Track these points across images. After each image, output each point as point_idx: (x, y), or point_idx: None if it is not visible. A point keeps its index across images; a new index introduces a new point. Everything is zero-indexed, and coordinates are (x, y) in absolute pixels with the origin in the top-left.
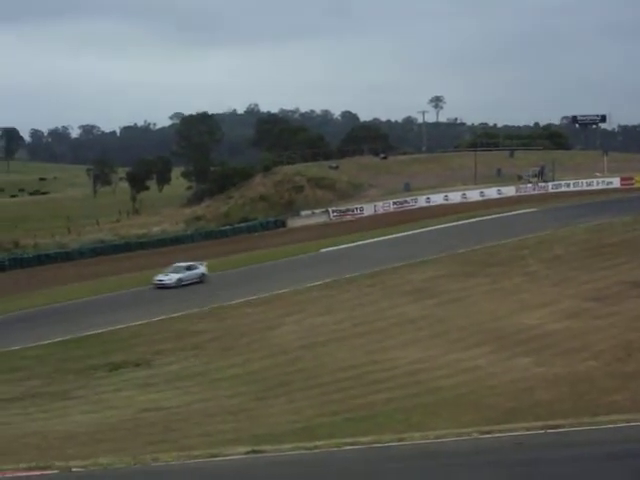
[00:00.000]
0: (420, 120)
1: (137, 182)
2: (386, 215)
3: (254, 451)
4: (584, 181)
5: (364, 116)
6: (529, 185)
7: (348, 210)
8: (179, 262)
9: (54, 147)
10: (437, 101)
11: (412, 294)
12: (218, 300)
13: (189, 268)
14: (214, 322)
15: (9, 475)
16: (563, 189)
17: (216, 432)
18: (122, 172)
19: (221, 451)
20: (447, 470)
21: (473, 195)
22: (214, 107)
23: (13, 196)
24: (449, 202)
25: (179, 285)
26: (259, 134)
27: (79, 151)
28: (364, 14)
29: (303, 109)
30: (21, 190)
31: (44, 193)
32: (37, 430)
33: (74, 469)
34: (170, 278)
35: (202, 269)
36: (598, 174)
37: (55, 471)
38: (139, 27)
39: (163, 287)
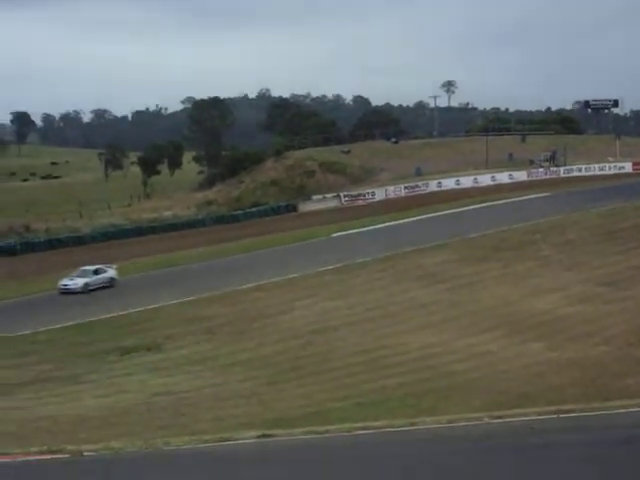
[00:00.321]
0: (432, 105)
1: (148, 166)
2: (397, 200)
3: (265, 435)
4: (596, 166)
5: (376, 101)
6: (541, 170)
7: (359, 195)
8: (86, 266)
9: (66, 131)
10: (449, 86)
11: (424, 279)
12: (230, 284)
13: (97, 272)
14: (225, 306)
15: (21, 459)
16: (575, 174)
17: (227, 416)
18: (134, 156)
19: (232, 435)
20: (459, 454)
21: (485, 180)
22: (226, 91)
23: (25, 180)
24: (460, 187)
25: (86, 290)
26: (271, 119)
27: (91, 135)
28: None
29: (315, 94)
30: (33, 174)
31: (56, 177)
32: (48, 414)
33: (85, 453)
34: (76, 283)
35: (111, 273)
36: (610, 159)
37: (66, 455)
38: (151, 11)
39: (68, 292)
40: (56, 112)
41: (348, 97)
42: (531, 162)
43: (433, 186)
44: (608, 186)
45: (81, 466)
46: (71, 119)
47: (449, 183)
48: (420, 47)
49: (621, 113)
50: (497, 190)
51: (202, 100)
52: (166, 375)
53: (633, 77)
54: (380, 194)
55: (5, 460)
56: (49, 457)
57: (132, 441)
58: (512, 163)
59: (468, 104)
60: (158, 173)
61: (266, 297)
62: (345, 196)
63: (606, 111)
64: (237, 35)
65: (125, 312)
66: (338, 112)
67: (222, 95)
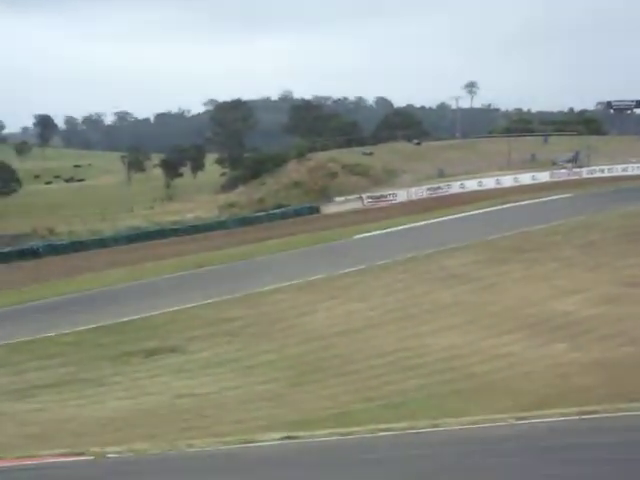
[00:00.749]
0: (454, 106)
1: (171, 169)
2: (420, 201)
3: (288, 437)
4: (619, 167)
5: (398, 102)
6: (563, 171)
7: (382, 196)
8: None
9: (88, 134)
10: (471, 87)
11: (446, 280)
12: (252, 286)
13: None
14: (248, 308)
15: (45, 461)
16: (598, 175)
17: (250, 418)
18: (156, 159)
19: (255, 437)
20: (482, 455)
21: (507, 181)
22: (248, 94)
23: (48, 183)
24: (483, 188)
25: None
26: (293, 120)
27: (113, 138)
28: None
29: (337, 95)
30: (56, 177)
31: (79, 180)
32: (72, 416)
33: (109, 455)
34: None
35: None
36: (633, 159)
37: (90, 457)
38: (173, 14)
39: None
40: (78, 115)
41: (370, 99)
42: (554, 163)
43: (455, 187)
44: (631, 187)
45: (105, 468)
46: (93, 122)
47: (471, 184)
48: (442, 48)
49: None
50: (519, 191)
51: (224, 102)
52: (189, 377)
53: None
54: (402, 196)
55: (30, 462)
56: (73, 459)
57: (155, 443)
58: (535, 164)
59: (490, 105)
60: (181, 175)
61: (289, 299)
62: (367, 198)
63: (629, 112)
64: (259, 37)
65: (148, 314)
66: (360, 114)
67: (244, 97)
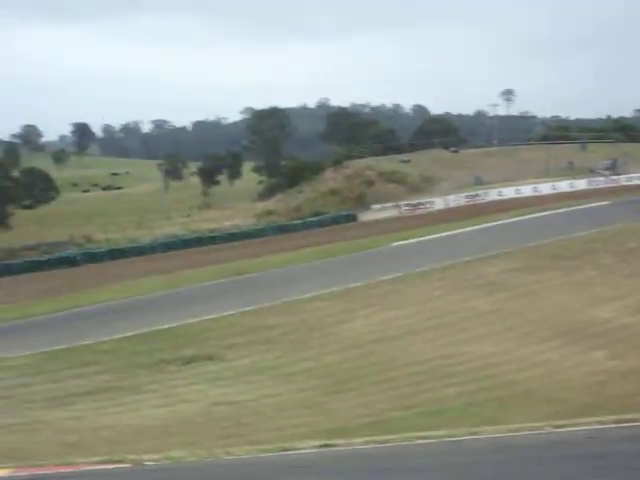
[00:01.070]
0: (491, 113)
1: (208, 177)
2: (457, 209)
3: (326, 445)
4: None
5: (435, 109)
6: (601, 178)
7: (419, 204)
8: None
9: (126, 142)
10: (508, 94)
11: (483, 288)
12: (290, 294)
13: None
14: (285, 316)
15: (82, 469)
16: (636, 182)
17: (288, 426)
18: (193, 167)
19: (293, 445)
20: (520, 463)
21: (545, 188)
22: (285, 102)
23: (85, 191)
24: (521, 195)
25: None
26: (330, 128)
27: (150, 146)
28: (433, 6)
29: (374, 103)
30: (93, 185)
31: (116, 188)
32: (110, 424)
33: (147, 463)
34: None
35: None
36: None
37: (128, 465)
38: (209, 24)
39: None
40: (116, 123)
41: (407, 106)
42: (591, 171)
43: (493, 195)
44: None
45: (142, 476)
46: (131, 130)
47: (509, 192)
48: (477, 55)
49: None
50: (557, 199)
51: (261, 110)
52: (227, 385)
53: None
54: (440, 203)
55: (67, 470)
56: (111, 467)
57: (193, 451)
58: (572, 172)
59: (527, 112)
60: (218, 183)
61: (326, 306)
62: (404, 205)
63: None
64: (296, 45)
65: (185, 322)
66: (397, 121)
67: (281, 105)
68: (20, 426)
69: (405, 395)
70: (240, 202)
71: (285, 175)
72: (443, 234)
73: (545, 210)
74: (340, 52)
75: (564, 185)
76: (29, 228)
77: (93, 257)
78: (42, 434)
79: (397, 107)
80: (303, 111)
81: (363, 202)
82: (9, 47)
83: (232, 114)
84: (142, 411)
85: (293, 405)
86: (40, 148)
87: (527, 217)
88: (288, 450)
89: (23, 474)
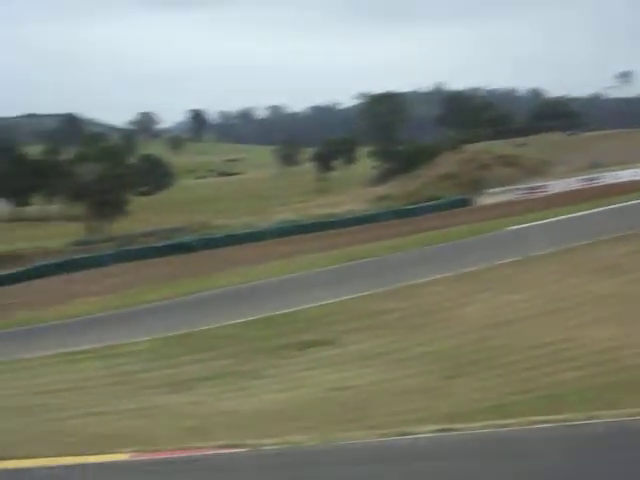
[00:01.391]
0: (608, 96)
1: (323, 162)
2: (574, 192)
3: (444, 429)
4: None
5: (551, 92)
6: None
7: (535, 187)
8: None
9: (241, 128)
10: (625, 76)
11: (602, 272)
12: (405, 279)
13: None
14: (401, 301)
15: (201, 453)
16: None
17: (405, 411)
18: (308, 152)
19: (410, 429)
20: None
21: None
22: (400, 86)
23: (202, 177)
24: (639, 178)
25: None
26: (445, 112)
27: (266, 132)
28: None
29: (489, 87)
30: (210, 171)
31: (232, 174)
32: (228, 409)
33: (265, 447)
34: None
35: None
36: None
37: (246, 449)
38: (322, 9)
39: None
40: (232, 109)
41: (522, 89)
42: None
43: (610, 178)
44: None
45: (262, 460)
46: (246, 116)
47: (627, 175)
48: (596, 37)
49: None
50: None
51: (376, 95)
52: (344, 369)
53: None
54: (556, 186)
55: (186, 454)
56: (229, 451)
57: (312, 435)
58: None
59: None
60: (333, 169)
61: (442, 291)
62: (521, 189)
63: None
64: (411, 29)
65: (302, 307)
66: (513, 105)
67: (396, 89)
68: (139, 411)
69: (523, 379)
70: (355, 187)
71: (400, 160)
72: (560, 217)
73: None
74: (453, 35)
75: None
76: (146, 215)
77: (210, 243)
78: (161, 419)
79: (512, 90)
80: (418, 95)
81: (479, 186)
82: (124, 35)
83: (347, 99)
84: (261, 396)
85: (410, 389)
86: (156, 135)
87: None
88: (407, 434)
89: (143, 458)
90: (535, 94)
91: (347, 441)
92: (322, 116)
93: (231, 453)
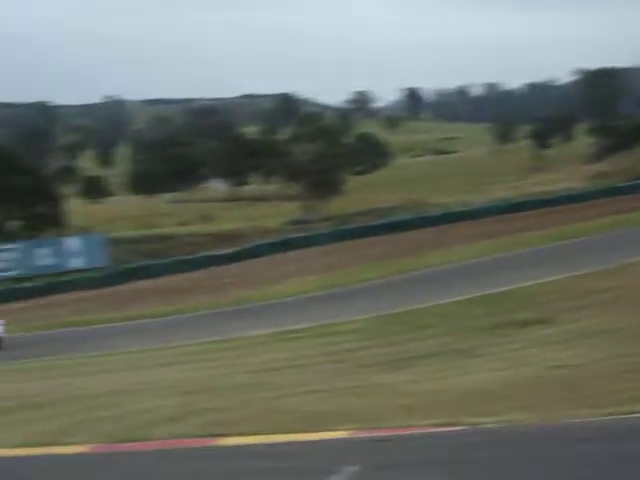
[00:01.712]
0: None
1: (540, 139)
2: None
3: None
4: None
5: None
6: None
7: None
8: None
9: (457, 106)
10: None
11: None
12: (621, 258)
13: None
14: (620, 279)
15: (420, 431)
16: None
17: (625, 389)
18: (524, 130)
19: (634, 408)
20: None
21: None
22: (620, 61)
23: (417, 156)
24: None
25: None
26: None
27: (481, 109)
28: None
29: None
30: (426, 149)
31: (449, 152)
32: (445, 387)
33: (483, 425)
34: None
35: None
36: None
37: (464, 427)
38: None
39: None
40: (449, 86)
41: None
42: None
43: None
44: None
45: (479, 437)
46: (462, 93)
47: None
48: None
49: None
50: None
51: (594, 70)
52: (561, 348)
53: None
54: None
55: (405, 432)
56: (447, 429)
57: (531, 414)
58: None
59: None
60: (550, 146)
61: None
62: None
63: None
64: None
65: (517, 286)
66: None
67: (614, 65)
68: (355, 389)
69: None
70: (572, 165)
71: (619, 136)
72: None
73: None
74: None
75: None
76: (362, 194)
77: (425, 221)
78: (377, 397)
79: None
80: (637, 70)
81: None
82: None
83: (564, 75)
84: (477, 374)
85: (632, 369)
86: (372, 114)
87: None
88: (629, 414)
89: (362, 435)
90: None
91: (567, 420)
92: (538, 93)
93: (449, 431)
